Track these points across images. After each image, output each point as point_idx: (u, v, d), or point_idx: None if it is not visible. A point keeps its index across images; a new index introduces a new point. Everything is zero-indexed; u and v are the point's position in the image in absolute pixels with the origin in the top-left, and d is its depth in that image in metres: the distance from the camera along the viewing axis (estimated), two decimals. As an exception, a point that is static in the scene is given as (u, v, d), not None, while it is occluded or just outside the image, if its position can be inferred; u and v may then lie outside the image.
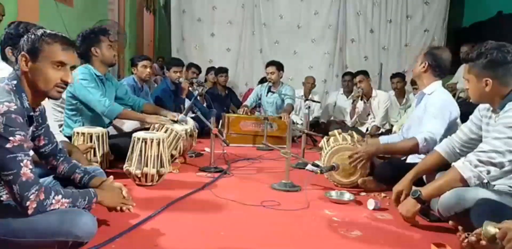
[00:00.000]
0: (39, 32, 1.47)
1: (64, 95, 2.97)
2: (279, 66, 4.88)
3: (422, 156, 2.37)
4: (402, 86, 5.11)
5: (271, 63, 4.92)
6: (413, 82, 4.63)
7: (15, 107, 1.33)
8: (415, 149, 2.36)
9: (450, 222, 1.81)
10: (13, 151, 1.30)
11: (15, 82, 1.43)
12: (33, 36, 1.45)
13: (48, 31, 1.49)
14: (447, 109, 2.40)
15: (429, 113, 2.41)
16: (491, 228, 1.16)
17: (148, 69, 4.25)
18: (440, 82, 2.55)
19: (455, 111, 2.45)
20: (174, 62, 4.69)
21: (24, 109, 1.39)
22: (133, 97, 3.26)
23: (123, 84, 3.76)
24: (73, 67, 1.55)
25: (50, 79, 1.45)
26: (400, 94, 5.20)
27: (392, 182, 2.13)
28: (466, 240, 1.27)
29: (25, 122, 1.38)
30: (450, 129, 2.39)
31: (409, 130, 2.63)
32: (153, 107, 3.29)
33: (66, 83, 1.49)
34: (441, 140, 2.24)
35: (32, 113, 1.49)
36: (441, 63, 2.49)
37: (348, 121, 5.06)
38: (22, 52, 1.44)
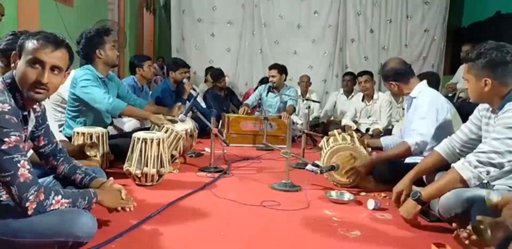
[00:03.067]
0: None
1: (66, 96, 2.97)
2: (281, 69, 4.84)
3: (421, 156, 2.38)
4: None
5: (273, 67, 4.87)
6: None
7: (9, 107, 1.32)
8: (408, 154, 2.45)
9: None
10: (9, 152, 1.29)
11: (9, 81, 1.42)
12: (25, 36, 1.44)
13: (39, 31, 1.45)
14: (434, 107, 2.44)
15: (417, 115, 2.46)
16: (493, 197, 1.16)
17: (152, 69, 4.32)
18: (423, 81, 2.60)
19: (443, 107, 2.48)
20: (181, 63, 4.67)
21: (18, 109, 1.37)
22: (134, 97, 3.24)
23: (124, 84, 3.76)
24: (62, 69, 1.44)
25: (25, 78, 1.38)
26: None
27: (392, 182, 2.13)
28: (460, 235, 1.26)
29: (19, 122, 1.36)
30: (445, 126, 2.44)
31: (405, 133, 2.67)
32: (155, 108, 3.29)
33: (42, 84, 1.39)
34: (439, 138, 2.25)
35: (26, 113, 1.46)
36: (398, 71, 2.57)
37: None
38: (14, 51, 1.44)
